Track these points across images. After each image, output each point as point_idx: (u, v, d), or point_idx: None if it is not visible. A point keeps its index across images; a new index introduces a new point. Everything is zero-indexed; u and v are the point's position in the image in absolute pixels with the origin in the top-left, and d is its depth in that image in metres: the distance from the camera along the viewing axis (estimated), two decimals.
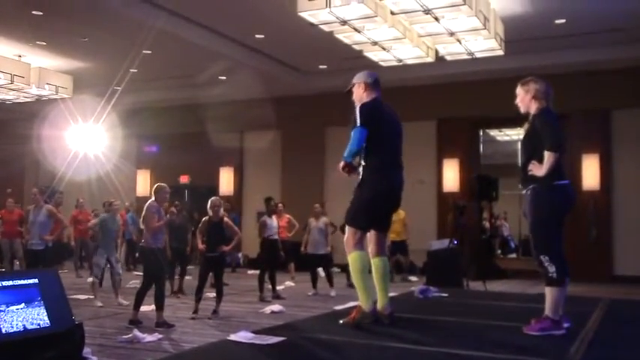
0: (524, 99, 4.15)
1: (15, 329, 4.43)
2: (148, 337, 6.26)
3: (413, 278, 12.20)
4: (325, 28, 8.42)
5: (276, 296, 9.60)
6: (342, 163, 4.17)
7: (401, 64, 10.18)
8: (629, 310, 5.67)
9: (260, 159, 16.12)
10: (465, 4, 7.64)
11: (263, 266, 9.77)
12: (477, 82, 13.10)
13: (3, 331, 4.36)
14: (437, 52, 9.91)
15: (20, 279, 4.76)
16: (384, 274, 4.35)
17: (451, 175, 14.14)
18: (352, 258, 4.27)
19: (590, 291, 9.07)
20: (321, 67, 13.79)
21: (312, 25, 8.30)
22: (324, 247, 10.30)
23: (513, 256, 17.49)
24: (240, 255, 14.72)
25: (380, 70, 8.89)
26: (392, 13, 8.06)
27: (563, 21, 10.73)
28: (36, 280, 4.79)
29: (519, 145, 4.37)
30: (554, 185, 3.95)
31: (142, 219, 7.43)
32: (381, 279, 4.32)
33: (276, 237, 9.89)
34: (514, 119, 5.86)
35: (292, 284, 11.45)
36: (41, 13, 10.21)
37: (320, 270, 10.45)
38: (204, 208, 8.28)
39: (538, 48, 11.91)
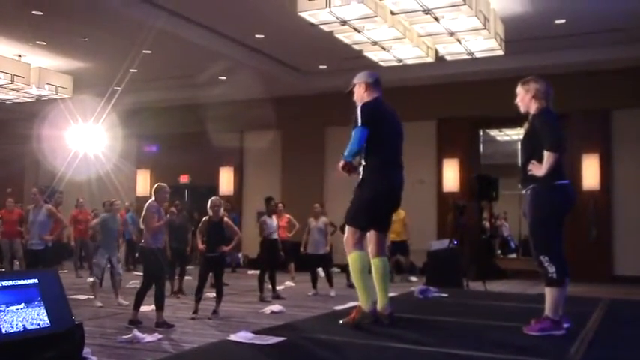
0: (524, 98, 4.14)
1: (15, 329, 4.43)
2: (148, 337, 6.26)
3: (413, 278, 12.20)
4: (325, 28, 8.42)
5: (276, 296, 9.60)
6: (341, 163, 4.16)
7: (401, 64, 10.18)
8: (629, 310, 5.67)
9: (260, 159, 16.12)
10: (465, 4, 7.64)
11: (263, 266, 9.77)
12: (477, 82, 13.10)
13: (3, 331, 4.35)
14: (437, 52, 9.91)
15: (20, 279, 4.76)
16: (384, 274, 4.34)
17: (451, 175, 14.14)
18: (352, 258, 4.26)
19: (590, 291, 9.07)
20: (321, 67, 13.79)
21: (312, 25, 8.30)
22: (323, 247, 10.30)
23: (513, 256, 17.49)
24: (240, 255, 14.72)
25: (380, 70, 8.88)
26: (392, 13, 8.05)
27: (563, 21, 10.73)
28: (36, 280, 4.79)
29: (519, 145, 4.36)
30: (555, 185, 3.95)
31: (142, 219, 7.43)
32: (381, 279, 4.31)
33: (275, 237, 9.89)
34: (514, 119, 5.86)
35: (292, 284, 11.45)
36: (41, 13, 10.21)
37: (320, 270, 10.46)
38: (204, 208, 8.28)
39: (538, 48, 11.91)
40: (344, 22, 8.13)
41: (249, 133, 16.17)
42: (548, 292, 3.94)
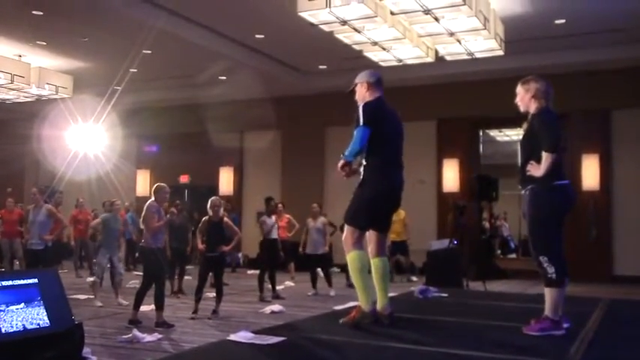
0: (524, 98, 4.13)
1: (15, 329, 4.43)
2: (148, 337, 6.26)
3: (413, 278, 12.20)
4: (325, 28, 8.42)
5: (276, 296, 9.60)
6: (341, 162, 4.15)
7: (401, 64, 10.17)
8: (629, 310, 5.67)
9: (260, 159, 16.12)
10: (464, 5, 7.64)
11: (263, 266, 9.77)
12: (477, 82, 13.10)
13: (3, 331, 4.36)
14: (437, 52, 9.91)
15: (20, 279, 4.76)
16: (383, 274, 4.34)
17: (451, 175, 14.14)
18: (351, 258, 4.26)
19: (590, 291, 9.07)
20: (321, 67, 13.79)
21: (312, 25, 8.30)
22: (322, 247, 10.31)
23: (513, 256, 17.50)
24: (240, 255, 14.72)
25: (380, 70, 8.83)
26: (392, 13, 8.05)
27: (563, 21, 10.73)
28: (36, 280, 4.79)
29: (519, 145, 4.36)
30: (554, 185, 3.94)
31: (141, 219, 7.42)
32: (380, 279, 4.31)
33: (275, 237, 9.89)
34: (514, 119, 5.85)
35: (292, 284, 11.45)
36: (41, 13, 10.21)
37: (319, 270, 10.46)
38: (204, 208, 8.28)
39: (538, 48, 11.91)
40: (344, 22, 8.13)
41: (249, 133, 16.17)
42: (548, 293, 3.94)
